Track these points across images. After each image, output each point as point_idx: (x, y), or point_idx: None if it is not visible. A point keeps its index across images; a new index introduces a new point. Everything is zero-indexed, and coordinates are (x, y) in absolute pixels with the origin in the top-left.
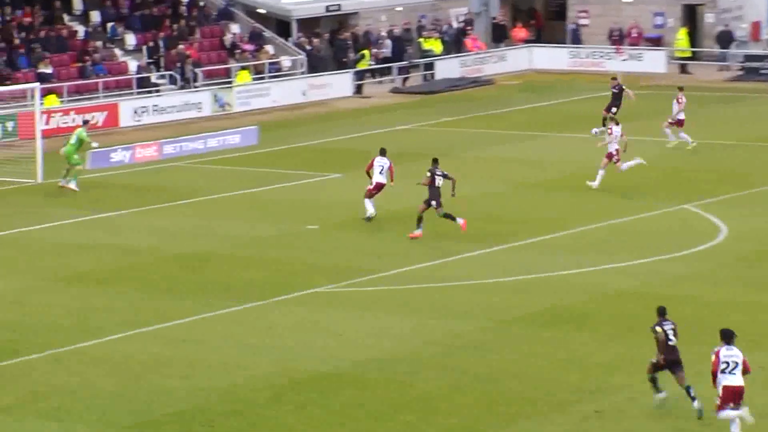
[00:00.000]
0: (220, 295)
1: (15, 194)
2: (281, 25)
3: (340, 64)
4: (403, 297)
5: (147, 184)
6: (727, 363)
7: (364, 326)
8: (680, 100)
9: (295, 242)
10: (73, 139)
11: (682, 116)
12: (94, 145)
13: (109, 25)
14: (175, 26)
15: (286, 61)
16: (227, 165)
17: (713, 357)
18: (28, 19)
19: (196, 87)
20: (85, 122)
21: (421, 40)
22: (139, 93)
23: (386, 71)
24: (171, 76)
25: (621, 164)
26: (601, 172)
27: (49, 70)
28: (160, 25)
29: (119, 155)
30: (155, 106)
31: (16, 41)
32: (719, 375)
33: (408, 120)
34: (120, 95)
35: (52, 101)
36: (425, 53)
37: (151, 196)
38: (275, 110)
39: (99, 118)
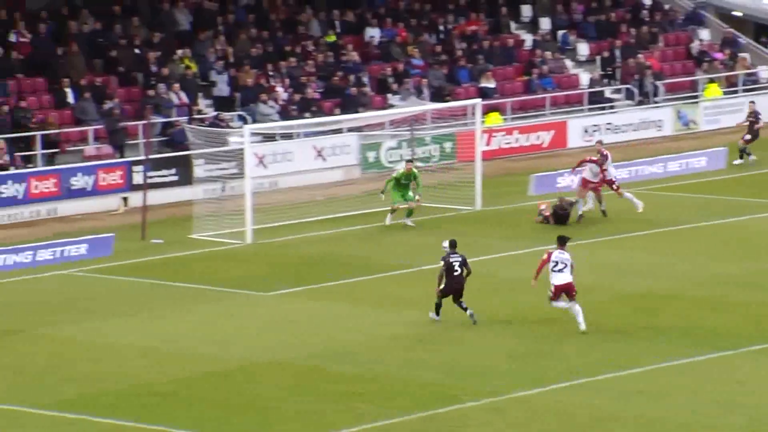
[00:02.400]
0: (680, 341)
1: (452, 223)
2: (761, 30)
3: None
4: None
5: (595, 212)
6: (557, 263)
7: None
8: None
9: None
10: (395, 174)
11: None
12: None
13: (560, 33)
14: (633, 33)
15: (764, 72)
16: (690, 192)
17: (544, 256)
18: (471, 28)
19: (656, 102)
20: (409, 161)
21: None
22: (590, 109)
23: None
24: (628, 90)
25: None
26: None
27: (491, 85)
28: (616, 33)
29: (566, 180)
30: (608, 124)
31: (458, 52)
32: (551, 274)
33: None
34: (569, 112)
35: (495, 119)
36: None
37: (603, 227)
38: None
39: (545, 137)
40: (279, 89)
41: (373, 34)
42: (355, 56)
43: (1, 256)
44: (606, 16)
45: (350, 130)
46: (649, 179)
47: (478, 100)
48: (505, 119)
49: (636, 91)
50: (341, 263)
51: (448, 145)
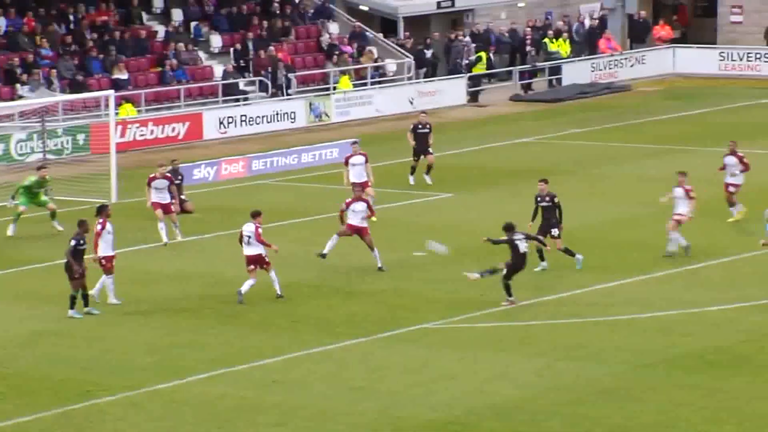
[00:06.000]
0: (317, 331)
1: (86, 215)
2: (386, 25)
3: (453, 69)
4: (526, 335)
5: (233, 204)
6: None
7: (480, 368)
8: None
9: (401, 271)
10: (26, 182)
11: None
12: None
13: (192, 24)
14: (265, 26)
15: (391, 65)
16: (323, 183)
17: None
18: (102, 18)
19: (289, 95)
20: (42, 168)
21: (546, 40)
22: (225, 101)
23: (505, 76)
24: (261, 82)
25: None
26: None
27: (124, 76)
28: (248, 25)
29: (202, 172)
30: (243, 116)
31: (89, 43)
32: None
33: (530, 132)
34: (204, 104)
35: (128, 111)
36: (550, 56)
37: (238, 218)
38: (379, 120)
39: (180, 129)
40: None
41: None
42: None
43: None
44: (238, 8)
45: None
46: (283, 170)
47: (111, 92)
48: (139, 111)
49: (269, 83)
50: None
51: (81, 137)
